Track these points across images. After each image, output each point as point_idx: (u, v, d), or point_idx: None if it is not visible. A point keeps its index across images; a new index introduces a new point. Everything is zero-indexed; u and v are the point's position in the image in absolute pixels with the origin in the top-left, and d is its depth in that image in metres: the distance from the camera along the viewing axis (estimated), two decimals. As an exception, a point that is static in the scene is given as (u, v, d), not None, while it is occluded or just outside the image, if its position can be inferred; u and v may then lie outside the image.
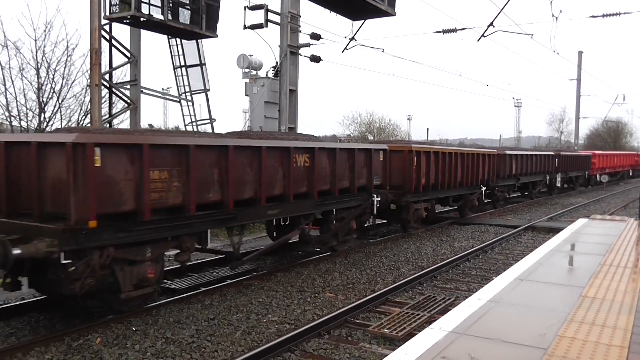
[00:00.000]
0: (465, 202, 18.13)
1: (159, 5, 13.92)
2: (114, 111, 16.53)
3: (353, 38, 17.11)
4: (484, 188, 18.83)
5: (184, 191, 7.47)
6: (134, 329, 6.91)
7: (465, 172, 17.24)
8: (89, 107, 13.60)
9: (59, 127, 16.94)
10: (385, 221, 15.82)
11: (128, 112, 16.51)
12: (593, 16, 18.76)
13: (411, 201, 14.50)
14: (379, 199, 12.24)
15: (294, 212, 9.97)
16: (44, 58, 16.62)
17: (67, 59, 16.98)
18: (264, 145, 8.93)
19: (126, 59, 16.12)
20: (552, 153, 28.15)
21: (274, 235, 11.22)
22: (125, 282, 7.08)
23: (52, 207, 6.44)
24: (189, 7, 14.87)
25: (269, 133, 11.79)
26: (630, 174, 47.46)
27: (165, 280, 9.29)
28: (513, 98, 76.30)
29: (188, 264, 8.90)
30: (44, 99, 16.79)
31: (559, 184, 28.50)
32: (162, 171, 7.19)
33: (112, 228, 6.66)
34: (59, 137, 6.58)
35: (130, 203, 6.77)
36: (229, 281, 9.32)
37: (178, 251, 8.01)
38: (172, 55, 18.62)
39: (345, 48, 17.42)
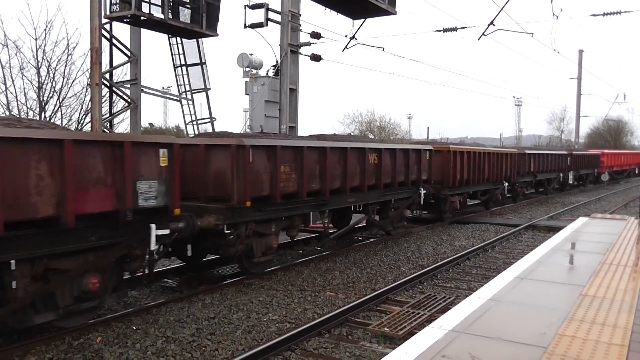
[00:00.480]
0: (490, 196, 20.07)
1: (159, 4, 13.93)
2: (114, 110, 16.56)
3: (353, 37, 17.11)
4: (506, 184, 20.82)
5: (299, 182, 9.85)
6: (134, 327, 6.92)
7: (491, 170, 19.36)
8: (90, 106, 13.62)
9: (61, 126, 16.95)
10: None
11: (128, 111, 16.53)
12: (594, 15, 18.75)
13: (448, 194, 16.58)
14: (425, 191, 14.38)
15: (367, 200, 12.22)
16: (44, 57, 16.67)
17: (67, 58, 17.03)
18: (349, 147, 11.23)
19: (127, 58, 16.13)
20: (565, 152, 30.12)
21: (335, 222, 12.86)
22: (257, 250, 9.33)
23: (215, 192, 8.75)
24: (189, 6, 14.88)
25: (341, 136, 14.85)
26: (637, 172, 49.16)
27: (165, 280, 9.31)
28: (513, 97, 76.35)
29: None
30: (45, 98, 16.82)
31: (571, 181, 30.15)
32: (286, 166, 9.54)
33: (255, 208, 8.90)
34: (224, 141, 8.91)
35: (267, 190, 9.17)
36: (229, 280, 9.33)
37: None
38: (172, 54, 18.64)
39: (346, 47, 17.42)
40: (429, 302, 8.06)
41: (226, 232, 8.46)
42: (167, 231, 7.25)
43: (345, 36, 17.25)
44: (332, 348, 6.35)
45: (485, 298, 5.48)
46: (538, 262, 7.28)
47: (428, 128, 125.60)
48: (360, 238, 14.06)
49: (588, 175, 34.38)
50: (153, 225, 7.05)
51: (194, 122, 19.39)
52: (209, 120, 19.89)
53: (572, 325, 4.65)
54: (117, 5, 13.66)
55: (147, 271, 7.33)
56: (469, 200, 19.40)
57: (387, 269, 10.56)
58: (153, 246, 7.10)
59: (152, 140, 7.20)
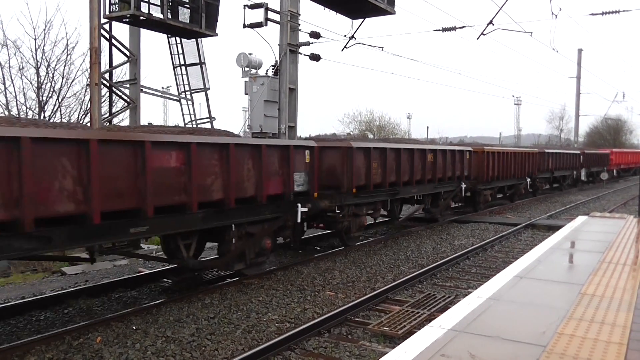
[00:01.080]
0: (515, 190, 23.19)
1: (159, 4, 13.92)
2: (113, 110, 16.54)
3: (352, 36, 17.10)
4: (529, 179, 23.80)
5: (383, 175, 12.70)
6: (134, 327, 6.92)
7: (516, 167, 22.27)
8: (89, 106, 13.61)
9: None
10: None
11: (128, 111, 16.51)
12: (592, 14, 18.74)
13: (482, 189, 19.36)
14: (465, 186, 17.15)
15: (425, 192, 14.96)
16: (43, 57, 16.65)
17: (66, 58, 17.01)
18: (415, 148, 14.21)
19: (126, 58, 16.11)
20: (578, 152, 33.12)
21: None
22: (353, 227, 12.24)
23: (328, 182, 11.44)
24: (188, 6, 14.87)
25: (402, 139, 19.52)
26: None
27: (164, 279, 9.32)
28: (513, 96, 76.39)
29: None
30: (44, 98, 16.80)
31: (583, 178, 33.44)
32: (375, 163, 12.38)
33: (355, 194, 11.70)
34: (338, 143, 12.24)
35: (363, 180, 12.03)
36: (229, 280, 9.34)
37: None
38: (171, 54, 18.61)
39: (345, 47, 17.40)
40: (428, 301, 8.07)
41: (337, 212, 11.41)
42: (306, 209, 9.99)
43: (345, 36, 17.25)
44: (331, 347, 6.36)
45: (485, 297, 5.49)
46: (537, 261, 7.29)
47: (427, 127, 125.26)
48: (360, 238, 14.06)
49: (598, 172, 36.90)
50: (299, 204, 9.85)
51: (194, 122, 19.38)
52: (208, 120, 19.87)
53: (571, 323, 4.65)
54: (117, 5, 13.65)
55: (293, 238, 10.96)
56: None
57: (386, 269, 10.57)
58: (299, 219, 9.90)
59: (302, 144, 10.46)
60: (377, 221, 14.79)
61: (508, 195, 23.26)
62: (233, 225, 8.61)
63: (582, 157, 32.56)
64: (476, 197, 19.36)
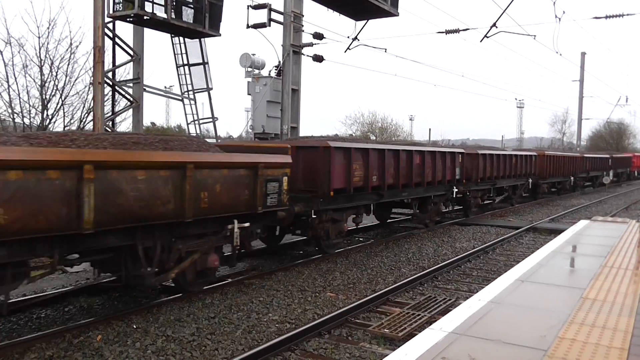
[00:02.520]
0: (562, 186, 28.99)
1: (163, 3, 13.95)
2: (116, 109, 16.57)
3: (356, 38, 17.12)
4: (572, 178, 29.70)
5: (365, 178, 11.82)
6: (134, 326, 6.92)
7: (566, 167, 28.53)
8: (92, 104, 13.62)
9: (63, 124, 16.99)
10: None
11: (130, 110, 16.54)
12: (596, 17, 18.76)
13: (542, 183, 25.52)
14: (531, 181, 22.92)
15: (412, 196, 14.54)
16: (47, 55, 16.65)
17: (70, 57, 17.01)
18: (401, 149, 13.70)
19: (129, 57, 16.14)
20: (607, 155, 39.11)
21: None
22: (332, 233, 11.37)
23: (304, 185, 10.69)
24: (192, 6, 14.90)
25: (397, 141, 21.76)
26: None
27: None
28: (515, 99, 76.34)
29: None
30: (47, 96, 16.82)
31: (611, 177, 38.65)
32: (356, 164, 11.53)
33: (333, 198, 10.84)
34: (315, 143, 11.18)
35: (342, 183, 11.13)
36: (229, 280, 9.34)
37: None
38: (175, 54, 18.66)
39: (348, 48, 17.43)
40: (429, 303, 8.06)
41: (313, 216, 10.51)
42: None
43: (348, 37, 17.28)
44: (332, 349, 6.35)
45: (486, 300, 5.48)
46: (539, 264, 7.28)
47: (430, 129, 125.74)
48: (361, 239, 14.07)
49: (622, 173, 43.97)
50: None
51: (196, 122, 19.42)
52: (210, 120, 19.90)
53: (573, 328, 4.64)
54: (121, 5, 13.68)
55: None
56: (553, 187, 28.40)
57: (387, 270, 10.56)
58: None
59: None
60: (359, 226, 13.32)
61: (557, 190, 28.95)
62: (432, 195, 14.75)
63: (610, 160, 38.71)
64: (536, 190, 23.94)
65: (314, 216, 10.42)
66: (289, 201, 9.27)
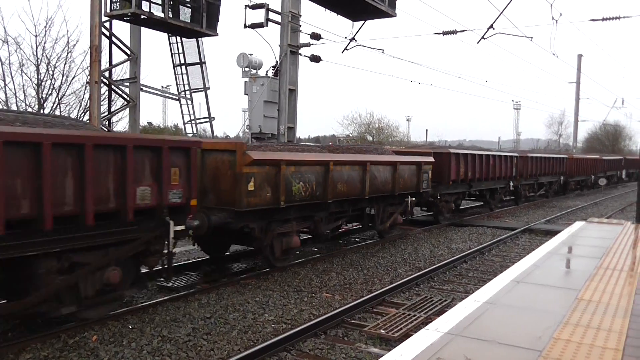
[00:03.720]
0: (585, 184, 33.63)
1: (160, 3, 13.95)
2: (113, 108, 16.55)
3: (353, 38, 17.12)
4: (592, 177, 34.66)
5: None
6: (130, 326, 6.91)
7: (586, 168, 33.28)
8: (88, 103, 13.60)
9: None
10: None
11: (127, 109, 16.52)
12: (593, 20, 18.81)
13: (570, 180, 30.74)
14: (562, 178, 28.24)
15: (544, 180, 21.41)
16: (44, 54, 16.64)
17: (67, 56, 17.00)
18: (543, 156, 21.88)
19: (126, 57, 16.12)
20: (621, 157, 44.77)
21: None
22: (446, 210, 16.65)
23: (433, 178, 15.08)
24: (189, 6, 14.89)
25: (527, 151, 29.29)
26: None
27: (161, 279, 9.30)
28: (512, 100, 76.52)
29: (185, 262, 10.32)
30: (44, 95, 16.79)
31: (624, 177, 44.32)
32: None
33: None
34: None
35: (454, 177, 17.24)
36: (225, 280, 9.33)
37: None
38: (172, 53, 18.64)
39: (345, 48, 17.44)
40: (425, 304, 8.07)
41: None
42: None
43: (345, 37, 17.28)
44: (327, 349, 6.36)
45: (481, 301, 5.49)
46: (534, 265, 7.30)
47: (427, 130, 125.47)
48: (357, 240, 14.08)
49: (633, 174, 47.44)
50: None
51: (193, 122, 19.40)
52: (207, 119, 19.89)
53: (568, 329, 4.66)
54: (118, 4, 13.67)
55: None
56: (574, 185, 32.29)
57: (383, 271, 10.57)
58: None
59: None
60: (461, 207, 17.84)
61: (580, 187, 33.48)
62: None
63: (623, 161, 44.38)
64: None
65: (438, 197, 16.02)
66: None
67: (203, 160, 8.94)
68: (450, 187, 16.68)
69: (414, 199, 13.94)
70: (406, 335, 6.33)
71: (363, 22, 17.11)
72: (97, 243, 6.48)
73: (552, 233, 13.29)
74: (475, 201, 22.17)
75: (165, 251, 7.43)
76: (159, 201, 7.12)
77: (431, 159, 14.78)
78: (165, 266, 7.58)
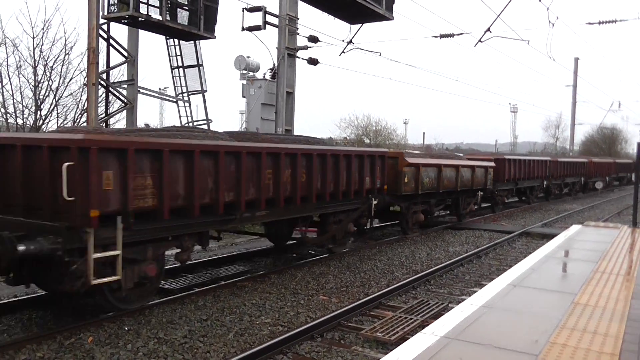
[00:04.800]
0: (605, 185, 37.12)
1: (158, 5, 13.93)
2: (110, 110, 16.52)
3: (350, 41, 17.15)
4: (608, 178, 38.15)
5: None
6: (126, 328, 6.89)
7: (604, 171, 37.73)
8: (86, 105, 13.59)
9: (56, 125, 16.92)
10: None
11: (125, 111, 16.50)
12: (589, 23, 18.90)
13: (589, 181, 35.16)
14: (583, 179, 33.13)
15: (571, 180, 28.04)
16: (41, 56, 16.60)
17: (64, 57, 16.96)
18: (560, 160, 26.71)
19: (124, 59, 16.11)
20: (631, 161, 46.12)
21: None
22: (501, 202, 22.86)
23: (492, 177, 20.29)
24: (187, 8, 14.89)
25: (553, 153, 39.28)
26: None
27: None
28: (509, 103, 76.71)
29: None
30: (41, 97, 16.75)
31: (634, 179, 46.74)
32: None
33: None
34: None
35: (507, 177, 22.29)
36: (222, 282, 9.32)
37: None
38: (169, 56, 18.62)
39: (343, 51, 17.46)
40: (421, 307, 8.07)
41: None
42: None
43: (343, 40, 17.31)
44: (324, 352, 6.35)
45: (478, 305, 5.49)
46: (531, 269, 7.31)
47: (424, 133, 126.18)
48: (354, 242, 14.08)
49: None
50: None
51: (190, 124, 19.36)
52: (205, 122, 19.86)
53: (564, 333, 4.67)
54: (115, 6, 13.66)
55: None
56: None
57: (380, 274, 10.57)
58: None
59: None
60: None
61: (596, 188, 36.40)
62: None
63: (633, 165, 51.50)
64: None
65: (495, 192, 20.76)
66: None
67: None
68: (504, 184, 22.19)
69: (482, 192, 18.86)
70: (403, 339, 6.33)
71: (360, 25, 17.14)
72: (345, 209, 11.50)
73: (549, 237, 13.31)
74: (485, 203, 22.98)
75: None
76: (372, 187, 12.09)
77: (493, 164, 19.87)
78: (369, 226, 13.38)
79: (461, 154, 22.78)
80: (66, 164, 6.08)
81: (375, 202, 12.11)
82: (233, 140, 8.67)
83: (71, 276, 6.31)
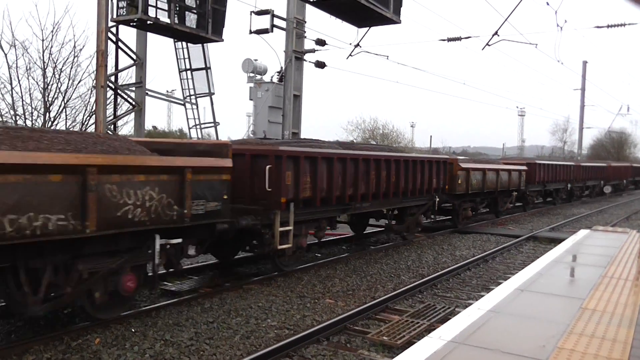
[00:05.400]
0: (624, 187, 42.04)
1: (166, 8, 14.01)
2: (118, 113, 16.60)
3: (358, 45, 17.16)
4: (625, 181, 41.77)
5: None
6: (133, 330, 6.92)
7: (622, 175, 41.00)
8: (94, 107, 13.67)
9: (65, 127, 17.03)
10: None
11: (133, 114, 16.58)
12: (598, 27, 18.81)
13: (607, 184, 37.08)
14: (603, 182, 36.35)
15: (586, 183, 31.26)
16: (50, 58, 16.72)
17: (73, 60, 17.08)
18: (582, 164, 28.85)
19: (132, 61, 16.19)
20: None
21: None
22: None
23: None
24: (195, 11, 14.96)
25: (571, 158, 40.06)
26: None
27: (165, 282, 9.31)
28: (517, 107, 76.35)
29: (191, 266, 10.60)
30: (50, 99, 16.87)
31: None
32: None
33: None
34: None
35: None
36: (228, 285, 9.33)
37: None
38: (177, 59, 18.70)
39: (350, 54, 17.46)
40: (428, 311, 8.04)
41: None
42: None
43: (350, 44, 17.32)
44: (330, 356, 6.34)
45: (485, 309, 5.47)
46: (538, 274, 7.27)
47: (431, 137, 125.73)
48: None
49: None
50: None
51: (198, 126, 19.43)
52: (212, 124, 19.92)
53: (572, 338, 4.64)
54: (124, 9, 13.74)
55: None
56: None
57: (387, 278, 10.54)
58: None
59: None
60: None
61: (615, 190, 38.78)
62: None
63: None
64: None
65: (527, 193, 23.43)
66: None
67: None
68: (535, 186, 24.55)
69: (516, 193, 21.45)
70: (409, 343, 6.31)
71: (368, 28, 17.13)
72: (418, 204, 14.24)
73: (557, 241, 13.24)
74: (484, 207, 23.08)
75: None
76: (437, 186, 14.84)
77: (525, 167, 22.65)
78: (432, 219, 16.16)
79: (499, 159, 26.41)
80: (268, 166, 9.08)
81: (437, 200, 14.98)
82: (342, 149, 11.47)
83: (265, 243, 9.22)
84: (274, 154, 9.15)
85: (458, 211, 17.39)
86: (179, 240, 7.48)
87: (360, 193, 11.47)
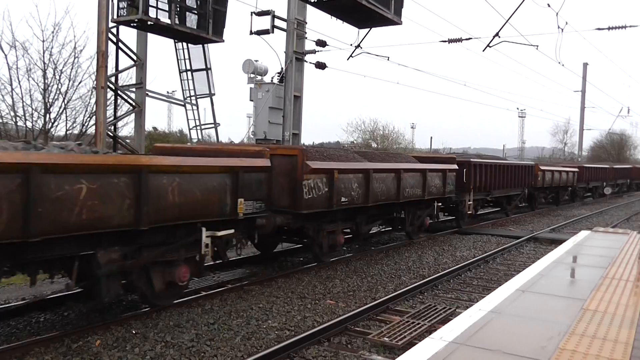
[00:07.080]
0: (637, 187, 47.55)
1: (167, 9, 14.02)
2: (119, 113, 16.60)
3: (359, 46, 17.16)
4: (629, 181, 44.04)
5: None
6: (133, 331, 6.91)
7: (620, 176, 42.00)
8: (94, 108, 13.67)
9: (65, 128, 17.04)
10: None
11: (133, 114, 16.58)
12: (599, 29, 18.83)
13: (609, 184, 39.02)
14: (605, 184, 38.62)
15: (589, 185, 34.82)
16: (51, 59, 16.74)
17: (74, 61, 17.10)
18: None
19: (132, 62, 16.19)
20: None
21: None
22: (599, 194, 35.33)
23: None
24: (196, 12, 14.97)
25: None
26: None
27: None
28: (517, 108, 76.38)
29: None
30: (50, 100, 16.88)
31: None
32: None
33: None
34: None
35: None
36: (229, 286, 9.33)
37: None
38: (178, 59, 18.70)
39: (351, 55, 17.47)
40: (429, 312, 8.04)
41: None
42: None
43: (351, 45, 17.32)
44: (331, 357, 6.33)
45: (486, 310, 5.46)
46: (539, 274, 7.26)
47: (431, 138, 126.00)
48: (356, 246, 14.04)
49: None
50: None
51: (198, 127, 19.44)
52: (212, 125, 19.92)
53: (573, 339, 4.63)
54: (125, 10, 13.75)
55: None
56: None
57: (387, 278, 10.54)
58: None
59: None
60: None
61: (625, 189, 44.01)
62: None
63: None
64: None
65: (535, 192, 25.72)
66: None
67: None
68: (582, 183, 31.62)
69: (570, 188, 28.60)
70: (410, 344, 6.30)
71: (369, 29, 17.13)
72: (515, 193, 21.96)
73: (557, 242, 13.23)
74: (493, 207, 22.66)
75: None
76: (526, 182, 23.16)
77: (577, 169, 29.93)
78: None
79: (506, 160, 29.52)
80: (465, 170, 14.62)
81: (526, 190, 22.86)
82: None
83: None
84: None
85: (536, 198, 25.62)
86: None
87: (495, 185, 19.46)
